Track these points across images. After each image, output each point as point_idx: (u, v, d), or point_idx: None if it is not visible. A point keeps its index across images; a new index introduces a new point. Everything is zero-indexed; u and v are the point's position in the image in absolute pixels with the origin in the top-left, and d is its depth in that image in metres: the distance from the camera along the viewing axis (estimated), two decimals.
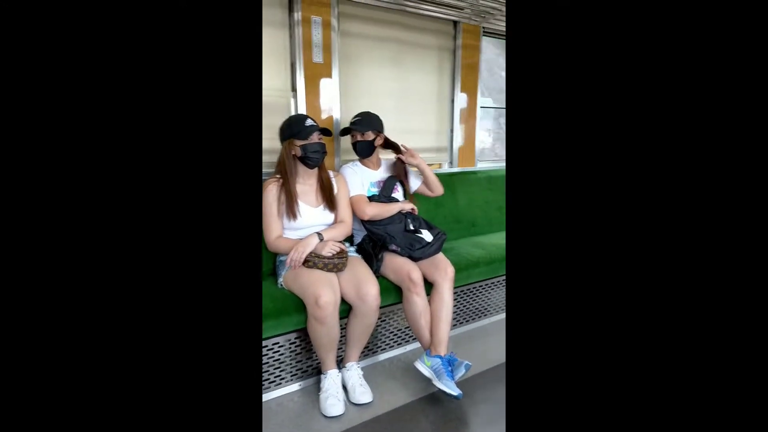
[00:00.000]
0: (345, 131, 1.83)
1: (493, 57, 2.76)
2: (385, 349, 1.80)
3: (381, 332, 1.78)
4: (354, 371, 1.53)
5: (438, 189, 1.92)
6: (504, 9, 2.17)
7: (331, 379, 1.46)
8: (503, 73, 2.84)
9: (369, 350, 1.75)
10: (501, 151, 3.01)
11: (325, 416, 1.40)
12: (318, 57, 1.91)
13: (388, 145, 1.86)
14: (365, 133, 1.76)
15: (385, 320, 1.78)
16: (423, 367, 1.51)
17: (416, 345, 1.83)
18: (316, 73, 1.93)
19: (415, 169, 1.87)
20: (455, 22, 2.36)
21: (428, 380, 1.50)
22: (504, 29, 2.51)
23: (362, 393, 1.48)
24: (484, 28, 2.44)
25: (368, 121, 1.76)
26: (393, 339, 1.82)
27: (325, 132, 1.58)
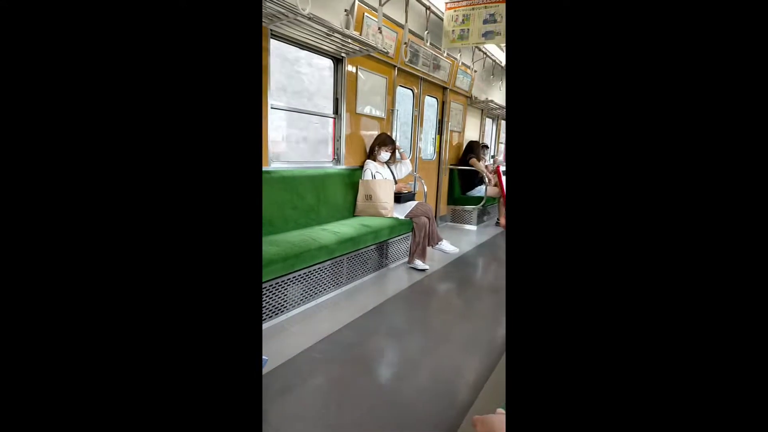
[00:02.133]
0: None
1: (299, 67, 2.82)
2: None
3: None
4: None
5: None
6: (291, 15, 2.25)
7: None
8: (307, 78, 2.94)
9: None
10: (295, 155, 3.10)
11: None
12: None
13: None
14: None
15: None
16: None
17: None
18: None
19: None
20: None
21: None
22: (292, 35, 2.61)
23: None
24: (272, 30, 2.47)
25: None
26: None
27: None
